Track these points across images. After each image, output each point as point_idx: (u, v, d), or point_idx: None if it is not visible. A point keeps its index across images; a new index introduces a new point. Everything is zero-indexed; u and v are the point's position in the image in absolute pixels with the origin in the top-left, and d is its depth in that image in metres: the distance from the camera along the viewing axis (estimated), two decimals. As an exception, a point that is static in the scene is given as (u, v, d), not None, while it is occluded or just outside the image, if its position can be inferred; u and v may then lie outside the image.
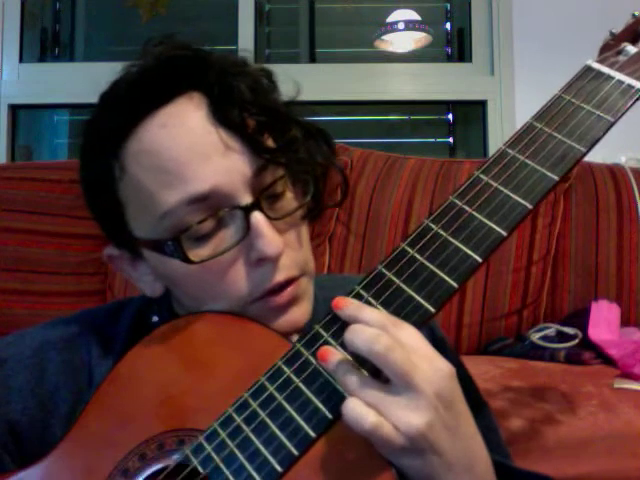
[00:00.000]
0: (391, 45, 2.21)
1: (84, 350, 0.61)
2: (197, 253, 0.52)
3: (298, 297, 0.54)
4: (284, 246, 0.52)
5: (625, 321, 1.26)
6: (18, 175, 1.47)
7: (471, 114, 2.27)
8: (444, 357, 0.44)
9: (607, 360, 1.09)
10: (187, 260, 0.52)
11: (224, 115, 0.52)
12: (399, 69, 2.11)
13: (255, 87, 0.54)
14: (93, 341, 0.62)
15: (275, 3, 2.28)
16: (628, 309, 1.31)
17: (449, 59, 2.25)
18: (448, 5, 2.30)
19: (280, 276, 0.53)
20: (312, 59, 2.25)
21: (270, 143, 0.54)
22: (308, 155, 0.55)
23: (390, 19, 2.18)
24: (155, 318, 0.63)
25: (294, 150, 0.54)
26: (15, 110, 2.10)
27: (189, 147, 0.51)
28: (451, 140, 2.33)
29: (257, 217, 0.51)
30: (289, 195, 0.56)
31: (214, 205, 0.52)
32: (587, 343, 1.14)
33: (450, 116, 2.34)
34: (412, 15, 2.17)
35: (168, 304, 0.63)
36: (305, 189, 0.56)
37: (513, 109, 1.97)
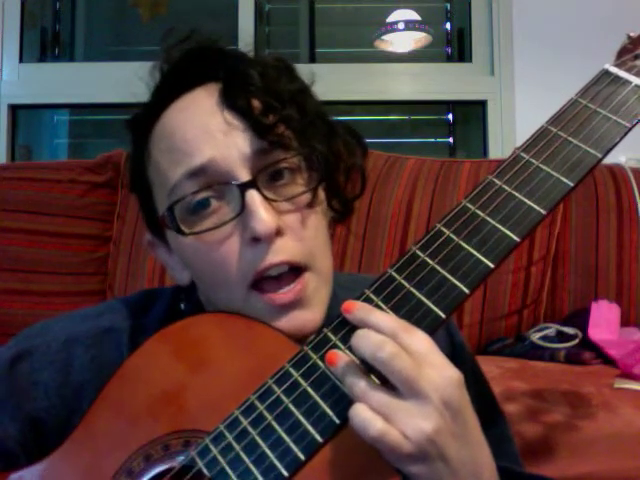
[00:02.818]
0: (391, 45, 2.21)
1: (113, 345, 0.60)
2: (196, 228, 0.53)
3: (304, 300, 0.53)
4: (282, 229, 0.52)
5: (625, 321, 1.27)
6: (18, 175, 1.46)
7: (471, 114, 2.27)
8: (461, 363, 0.44)
9: (607, 360, 1.09)
10: (179, 231, 0.53)
11: (231, 98, 0.54)
12: (399, 69, 2.11)
13: (265, 73, 0.55)
14: (123, 335, 0.61)
15: (275, 3, 2.28)
16: (628, 309, 1.31)
17: (449, 59, 2.25)
18: (448, 5, 2.30)
19: (275, 258, 0.52)
20: (312, 59, 2.25)
21: (278, 128, 0.54)
22: (323, 145, 0.55)
23: (390, 19, 2.18)
24: (182, 306, 0.63)
25: (306, 137, 0.54)
26: (15, 110, 2.09)
27: (197, 127, 0.54)
28: (451, 140, 2.33)
29: (252, 195, 0.51)
30: (300, 182, 0.55)
31: (212, 180, 0.53)
32: (587, 343, 1.14)
33: (450, 116, 2.34)
34: (412, 15, 2.17)
35: (195, 293, 0.63)
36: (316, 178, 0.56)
37: (513, 109, 1.97)
